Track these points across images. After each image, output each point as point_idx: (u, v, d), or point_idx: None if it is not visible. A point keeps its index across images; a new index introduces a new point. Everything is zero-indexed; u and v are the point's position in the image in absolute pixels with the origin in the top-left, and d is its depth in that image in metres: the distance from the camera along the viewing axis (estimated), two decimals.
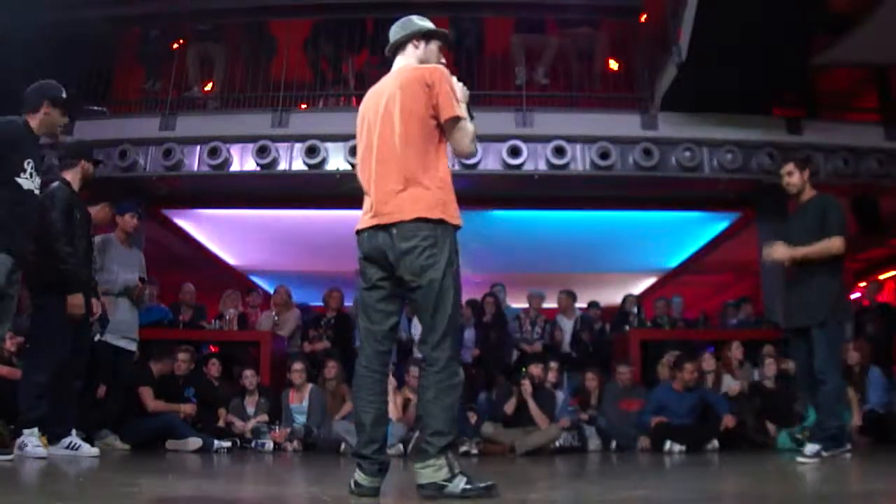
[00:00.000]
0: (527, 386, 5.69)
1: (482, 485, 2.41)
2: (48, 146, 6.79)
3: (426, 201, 2.51)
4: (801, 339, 4.24)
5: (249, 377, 6.02)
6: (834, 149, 6.88)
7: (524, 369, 5.91)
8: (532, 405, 5.67)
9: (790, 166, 4.46)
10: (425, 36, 2.82)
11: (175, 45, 7.94)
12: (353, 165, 6.81)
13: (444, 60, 2.85)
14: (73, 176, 4.32)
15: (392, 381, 5.56)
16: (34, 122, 3.73)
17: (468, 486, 2.38)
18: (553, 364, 6.11)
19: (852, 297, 8.15)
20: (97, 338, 4.94)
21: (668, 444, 5.57)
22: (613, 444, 5.89)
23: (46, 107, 3.74)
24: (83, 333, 4.30)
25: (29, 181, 3.64)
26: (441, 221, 2.50)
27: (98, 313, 4.59)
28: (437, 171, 2.58)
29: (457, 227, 2.56)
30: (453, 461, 2.42)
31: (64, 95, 3.84)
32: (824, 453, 3.98)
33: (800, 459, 3.98)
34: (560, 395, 6.01)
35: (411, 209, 2.49)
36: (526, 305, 7.66)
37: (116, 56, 8.12)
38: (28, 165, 3.63)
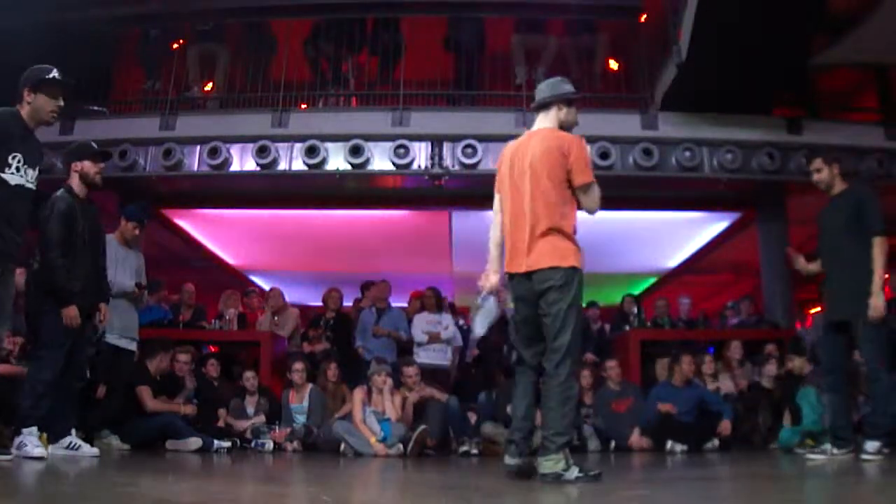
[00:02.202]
0: None
1: (591, 473, 3.01)
2: (49, 146, 6.85)
3: (561, 251, 3.11)
4: (838, 332, 4.20)
5: (250, 378, 6.02)
6: (834, 149, 6.86)
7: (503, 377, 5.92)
8: None
9: (818, 162, 4.41)
10: (569, 101, 3.31)
11: (175, 45, 7.94)
12: (352, 165, 6.87)
13: (578, 121, 3.36)
14: (74, 182, 4.26)
15: (388, 382, 5.57)
16: (24, 112, 3.61)
17: (580, 475, 2.96)
18: None
19: None
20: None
21: (669, 444, 5.58)
22: (612, 444, 5.89)
23: (27, 94, 3.61)
24: (84, 335, 4.28)
25: (16, 176, 3.51)
26: (572, 268, 3.10)
27: (105, 320, 4.58)
28: (570, 224, 3.17)
29: (581, 271, 3.12)
30: (569, 455, 3.00)
31: (49, 76, 3.63)
32: (885, 450, 3.97)
33: (863, 457, 3.94)
34: None
35: (550, 258, 3.10)
36: None
37: (116, 56, 8.11)
38: (13, 160, 3.49)
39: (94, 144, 4.44)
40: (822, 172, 4.38)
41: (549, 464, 2.98)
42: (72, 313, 4.03)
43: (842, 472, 3.69)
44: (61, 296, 4.02)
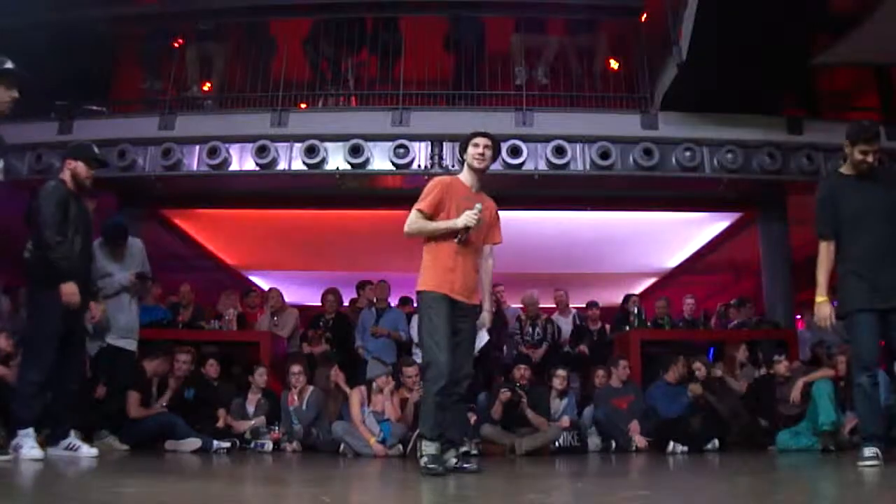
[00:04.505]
0: (504, 396, 5.63)
1: (431, 466, 3.38)
2: (48, 145, 6.85)
3: (418, 280, 3.69)
4: (880, 320, 3.81)
5: (263, 375, 6.01)
6: (835, 148, 6.82)
7: (503, 378, 5.92)
8: (527, 409, 5.65)
9: (877, 144, 4.00)
10: (463, 147, 3.81)
11: (175, 45, 7.93)
12: (352, 165, 6.86)
13: (475, 161, 3.72)
14: (65, 176, 4.26)
15: (389, 382, 5.56)
16: None
17: (431, 465, 3.40)
18: (561, 372, 6.08)
19: None
20: (97, 344, 4.93)
21: (671, 445, 5.57)
22: (613, 444, 5.88)
23: None
24: (78, 334, 4.26)
25: None
26: (420, 292, 3.66)
27: (97, 317, 4.56)
28: (428, 256, 3.68)
29: (432, 292, 3.58)
30: (429, 447, 3.49)
31: (4, 68, 3.64)
32: None
33: None
34: (565, 402, 5.99)
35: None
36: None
37: (116, 56, 8.10)
38: None
39: (95, 149, 4.43)
40: (877, 155, 4.00)
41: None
42: (70, 289, 3.97)
43: (843, 471, 3.68)
44: (57, 273, 3.96)
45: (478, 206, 3.60)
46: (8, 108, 3.70)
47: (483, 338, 3.87)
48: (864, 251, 3.89)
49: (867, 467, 3.57)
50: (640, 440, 5.81)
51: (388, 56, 7.41)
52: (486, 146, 3.70)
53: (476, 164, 3.69)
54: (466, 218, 3.57)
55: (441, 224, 3.62)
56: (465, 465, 3.58)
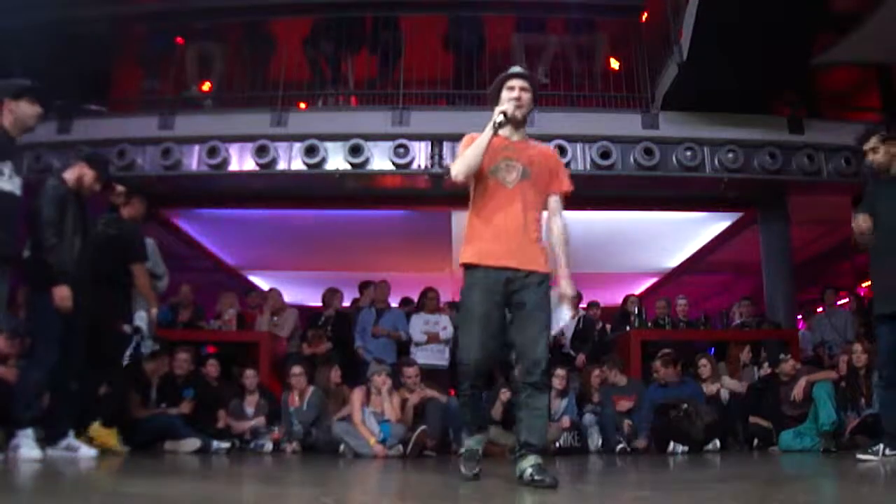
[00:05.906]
0: (504, 395, 5.61)
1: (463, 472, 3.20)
2: (47, 145, 6.84)
3: None
4: (894, 322, 3.81)
5: (250, 377, 5.99)
6: (836, 148, 6.86)
7: (503, 377, 5.90)
8: None
9: (874, 141, 3.96)
10: (494, 95, 3.18)
11: (176, 44, 7.92)
12: (352, 165, 6.85)
13: (505, 105, 3.07)
14: (70, 175, 4.25)
15: (388, 382, 5.54)
16: (6, 122, 3.76)
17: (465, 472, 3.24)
18: (560, 371, 6.06)
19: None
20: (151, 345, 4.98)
21: (671, 446, 5.56)
22: (613, 442, 5.87)
23: (9, 103, 3.76)
24: (78, 333, 4.24)
25: (7, 182, 3.70)
26: (462, 265, 3.10)
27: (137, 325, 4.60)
28: (468, 219, 3.14)
29: (468, 265, 3.06)
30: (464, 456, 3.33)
31: (29, 85, 3.82)
32: None
33: None
34: (565, 402, 5.98)
35: None
36: None
37: (116, 56, 8.10)
38: (6, 168, 3.69)
39: (110, 169, 4.48)
40: (877, 153, 3.96)
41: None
42: (63, 293, 3.96)
43: (846, 473, 3.66)
44: (52, 274, 3.96)
45: (508, 105, 3.05)
46: (35, 122, 3.88)
47: (563, 316, 3.11)
48: (883, 255, 3.82)
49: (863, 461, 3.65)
50: (627, 426, 5.82)
51: (387, 55, 7.41)
52: (522, 88, 3.08)
53: (514, 112, 3.06)
54: (499, 109, 3.03)
55: (481, 138, 3.00)
56: (538, 478, 2.94)
